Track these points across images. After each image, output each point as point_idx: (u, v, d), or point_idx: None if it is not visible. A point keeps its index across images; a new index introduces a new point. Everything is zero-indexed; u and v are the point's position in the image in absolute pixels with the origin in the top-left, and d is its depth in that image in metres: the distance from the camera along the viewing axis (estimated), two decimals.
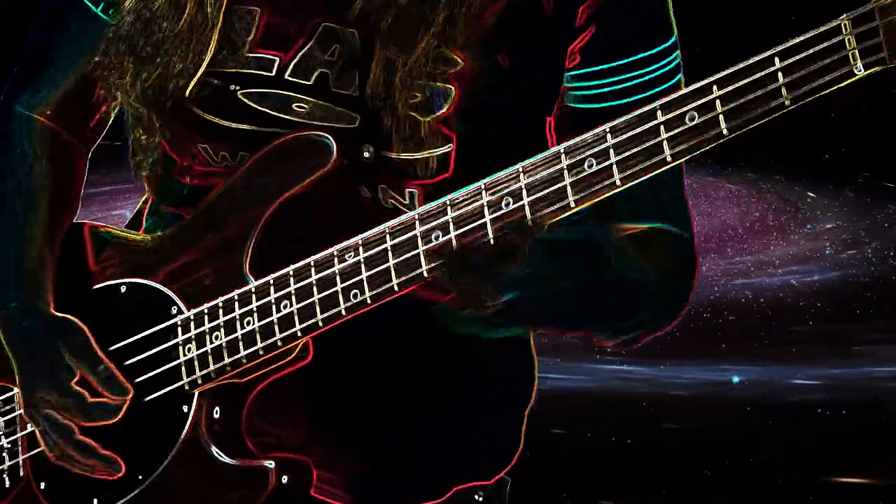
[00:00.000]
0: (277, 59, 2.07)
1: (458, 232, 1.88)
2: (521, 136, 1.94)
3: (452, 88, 2.01)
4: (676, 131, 1.79)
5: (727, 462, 4.38)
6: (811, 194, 4.41)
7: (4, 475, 2.23)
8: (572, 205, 1.84)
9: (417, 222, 1.92)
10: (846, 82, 1.72)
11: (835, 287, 4.60)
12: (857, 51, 1.70)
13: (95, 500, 2.12)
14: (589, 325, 1.96)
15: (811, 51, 1.71)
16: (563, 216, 1.85)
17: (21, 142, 2.27)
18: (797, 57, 1.72)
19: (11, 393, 2.23)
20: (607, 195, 1.83)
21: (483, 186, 1.88)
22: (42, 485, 2.19)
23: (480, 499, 2.15)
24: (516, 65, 2.03)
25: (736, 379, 4.47)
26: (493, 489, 2.18)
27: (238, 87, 2.07)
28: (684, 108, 1.78)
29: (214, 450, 2.05)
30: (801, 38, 1.73)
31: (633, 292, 1.93)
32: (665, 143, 1.79)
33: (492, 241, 1.86)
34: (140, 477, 2.09)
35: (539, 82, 2.06)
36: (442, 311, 1.84)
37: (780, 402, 4.47)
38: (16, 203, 2.23)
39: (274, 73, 2.06)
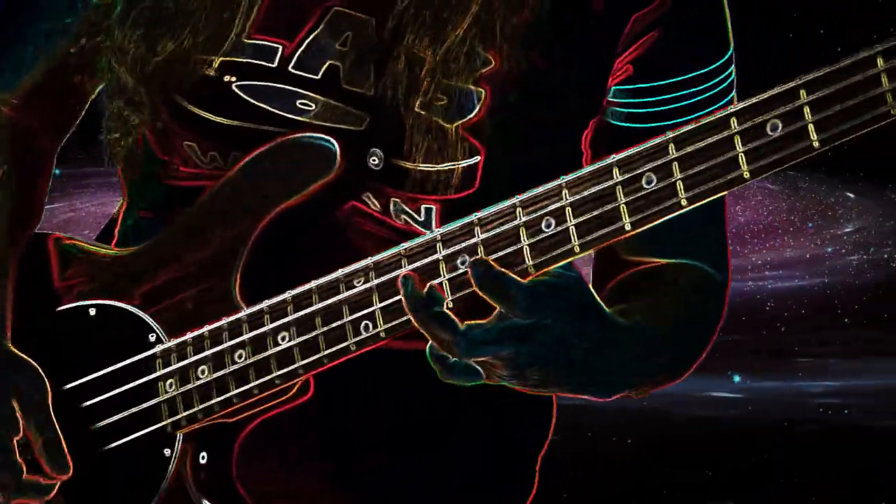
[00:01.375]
0: (280, 47, 1.86)
1: (491, 258, 1.63)
2: (555, 150, 1.76)
3: (483, 91, 1.80)
4: (755, 144, 1.53)
5: (727, 462, 4.34)
6: (850, 195, 4.32)
7: None
8: (627, 228, 1.60)
9: (440, 244, 1.67)
10: None
11: (828, 291, 4.58)
12: None
13: None
14: (590, 390, 1.75)
15: None
16: (613, 241, 1.60)
17: None
18: None
19: None
20: (670, 217, 1.58)
21: (518, 203, 1.64)
22: None
23: None
24: (555, 68, 1.83)
25: (737, 378, 4.48)
26: None
27: (233, 79, 1.85)
28: (766, 117, 1.54)
29: (203, 501, 1.84)
30: None
31: (650, 344, 1.75)
32: (742, 157, 1.54)
33: (531, 270, 1.61)
34: None
35: (579, 90, 1.86)
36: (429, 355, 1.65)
37: (780, 403, 4.47)
38: None
39: (276, 64, 1.85)
